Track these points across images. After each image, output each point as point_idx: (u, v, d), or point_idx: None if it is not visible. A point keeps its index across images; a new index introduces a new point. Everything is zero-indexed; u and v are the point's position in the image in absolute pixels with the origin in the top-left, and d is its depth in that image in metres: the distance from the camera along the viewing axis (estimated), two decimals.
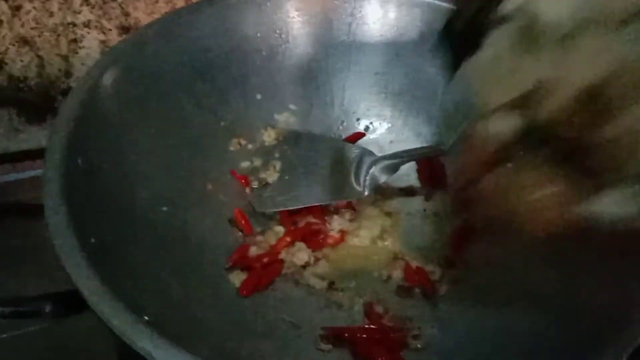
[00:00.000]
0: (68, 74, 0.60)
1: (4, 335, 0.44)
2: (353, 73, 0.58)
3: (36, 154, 0.63)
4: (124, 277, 0.34)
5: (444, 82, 0.56)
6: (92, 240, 0.34)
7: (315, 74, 0.57)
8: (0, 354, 0.43)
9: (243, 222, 0.49)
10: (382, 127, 0.59)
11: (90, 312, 0.30)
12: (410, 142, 0.58)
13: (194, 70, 0.50)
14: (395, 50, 0.57)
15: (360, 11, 0.57)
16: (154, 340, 0.28)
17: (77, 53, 0.59)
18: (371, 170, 0.50)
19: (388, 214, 0.52)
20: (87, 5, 0.56)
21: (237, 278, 0.44)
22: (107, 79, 0.42)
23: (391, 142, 0.58)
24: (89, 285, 0.30)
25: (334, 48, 0.57)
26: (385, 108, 0.59)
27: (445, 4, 0.55)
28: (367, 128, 0.60)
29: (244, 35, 0.53)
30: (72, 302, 0.31)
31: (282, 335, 0.41)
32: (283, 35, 0.55)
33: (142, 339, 0.28)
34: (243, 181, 0.52)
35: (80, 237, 0.32)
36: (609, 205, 0.32)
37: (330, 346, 0.40)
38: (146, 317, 0.31)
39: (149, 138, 0.45)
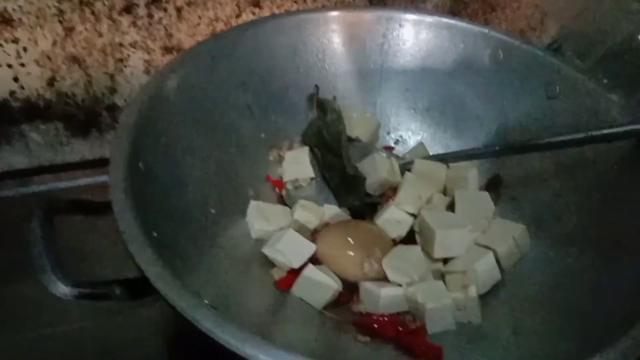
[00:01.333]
0: (113, 90, 0.64)
1: (47, 331, 0.46)
2: (384, 90, 0.62)
3: (78, 166, 0.65)
4: (182, 267, 0.38)
5: (470, 99, 0.59)
6: (155, 234, 0.37)
7: (349, 92, 0.61)
8: (41, 350, 0.45)
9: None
10: (411, 141, 0.62)
11: (154, 296, 0.33)
12: None
13: (240, 85, 0.54)
14: (424, 69, 0.60)
15: (392, 33, 0.60)
16: (216, 320, 0.31)
17: (122, 72, 0.63)
18: None
19: None
20: (134, 26, 0.60)
21: (277, 273, 0.47)
22: (165, 90, 0.46)
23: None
24: (155, 272, 0.33)
25: (366, 67, 0.61)
26: (415, 123, 0.62)
27: (471, 26, 0.58)
28: (397, 141, 0.63)
29: (284, 54, 0.57)
30: (138, 287, 0.35)
31: (320, 326, 0.44)
32: (319, 55, 0.59)
33: (205, 319, 0.31)
34: (277, 185, 0.56)
35: (145, 231, 0.35)
36: None
37: (368, 338, 0.42)
38: (206, 301, 0.34)
39: (200, 146, 0.49)
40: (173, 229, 0.41)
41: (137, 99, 0.45)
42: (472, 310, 0.44)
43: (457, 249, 0.47)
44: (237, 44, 0.54)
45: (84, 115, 0.63)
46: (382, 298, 0.43)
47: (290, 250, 0.46)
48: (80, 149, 0.66)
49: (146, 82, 0.47)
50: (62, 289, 0.33)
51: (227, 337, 0.30)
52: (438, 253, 0.46)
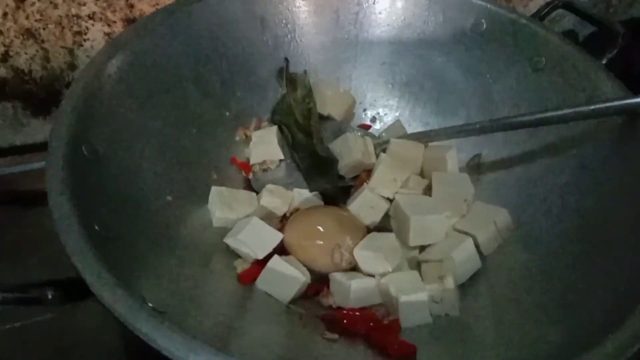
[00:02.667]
0: (73, 66, 0.60)
1: (10, 326, 0.44)
2: (359, 63, 0.58)
3: (41, 147, 0.62)
4: (127, 264, 0.34)
5: (451, 73, 0.56)
6: (96, 227, 0.34)
7: (322, 64, 0.57)
8: (6, 344, 0.43)
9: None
10: (389, 118, 0.59)
11: (93, 299, 0.30)
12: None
13: (199, 59, 0.50)
14: (402, 40, 0.57)
15: (368, 1, 0.56)
16: (157, 327, 0.28)
17: (81, 45, 0.59)
18: None
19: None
20: None
21: (241, 266, 0.44)
22: (111, 67, 0.42)
23: None
24: (91, 272, 0.30)
25: (340, 38, 0.57)
26: (392, 98, 0.59)
27: None
28: (373, 119, 0.59)
29: (250, 26, 0.53)
30: (75, 289, 0.31)
31: (286, 323, 0.41)
32: (289, 25, 0.55)
33: (143, 324, 0.28)
34: (244, 168, 0.52)
35: (84, 225, 0.32)
36: None
37: (336, 335, 0.39)
38: (150, 304, 0.30)
39: (155, 127, 0.45)
40: (120, 221, 0.37)
41: (80, 77, 0.41)
42: (449, 303, 0.41)
43: (433, 235, 0.44)
44: (197, 15, 0.50)
45: (44, 93, 0.60)
46: (353, 291, 0.40)
47: (254, 239, 0.43)
48: (42, 129, 0.63)
49: (92, 57, 0.43)
50: None
51: (170, 346, 0.27)
52: (413, 240, 0.43)
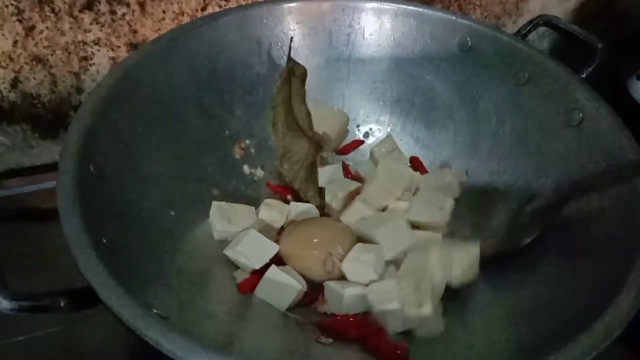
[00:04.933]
0: (79, 90, 0.62)
1: (21, 337, 0.45)
2: (352, 82, 0.60)
3: (49, 168, 0.63)
4: (133, 274, 0.36)
5: (439, 89, 0.58)
6: (104, 240, 0.36)
7: (316, 84, 0.59)
8: (15, 356, 0.45)
9: None
10: (381, 133, 0.61)
11: (102, 307, 0.32)
12: (409, 146, 0.60)
13: (200, 82, 0.52)
14: (392, 59, 0.59)
15: (359, 23, 0.59)
16: (162, 331, 0.30)
17: (87, 70, 0.61)
18: None
19: None
20: (97, 23, 0.58)
21: (240, 276, 0.46)
22: (117, 89, 0.44)
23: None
24: (100, 281, 0.32)
25: (333, 58, 0.59)
26: (384, 115, 0.61)
27: (441, 14, 0.57)
28: (366, 134, 0.61)
29: (247, 48, 0.56)
30: (84, 298, 0.33)
31: (283, 328, 0.43)
32: (284, 47, 0.57)
33: (150, 330, 0.30)
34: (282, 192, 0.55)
35: (93, 238, 0.34)
36: None
37: (330, 340, 0.41)
38: (155, 310, 0.33)
39: (158, 146, 0.47)
40: (126, 234, 0.39)
41: (88, 100, 0.43)
42: (432, 326, 0.42)
43: (402, 240, 0.45)
44: (197, 39, 0.52)
45: (52, 116, 0.62)
46: (346, 298, 0.42)
47: (252, 251, 0.45)
48: (50, 151, 0.64)
49: (99, 81, 0.45)
50: (2, 304, 0.31)
51: (174, 348, 0.29)
52: (388, 254, 0.45)
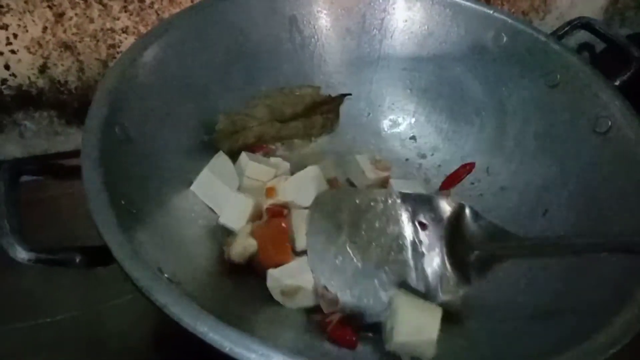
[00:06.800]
0: None
1: (46, 320, 0.47)
2: (381, 67, 0.60)
3: (74, 155, 0.62)
4: (147, 237, 0.37)
5: (468, 83, 0.57)
6: (123, 202, 0.37)
7: (345, 66, 0.59)
8: (41, 338, 0.46)
9: None
10: (405, 122, 0.61)
11: (115, 265, 0.33)
12: (432, 137, 0.60)
13: (228, 55, 0.52)
14: (424, 48, 0.59)
15: (394, 8, 0.58)
16: (170, 295, 0.30)
17: (115, 57, 0.60)
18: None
19: None
20: (126, 12, 0.58)
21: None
22: (147, 55, 0.45)
23: (412, 137, 0.60)
24: (115, 241, 0.32)
25: (365, 42, 0.59)
26: (410, 103, 0.61)
27: (476, 7, 0.56)
28: (391, 125, 0.61)
29: (279, 24, 0.56)
30: (99, 256, 0.34)
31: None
32: (316, 27, 0.57)
33: (157, 292, 0.30)
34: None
35: (112, 199, 0.35)
36: None
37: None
38: (166, 275, 0.33)
39: (183, 114, 0.48)
40: (144, 198, 0.40)
41: (118, 63, 0.44)
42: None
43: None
44: (228, 11, 0.52)
45: (78, 103, 0.62)
46: None
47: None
48: (75, 138, 0.64)
49: (128, 47, 0.46)
50: (21, 254, 0.33)
51: (180, 313, 0.30)
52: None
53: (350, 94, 0.58)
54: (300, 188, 0.47)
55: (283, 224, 0.44)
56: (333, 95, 0.57)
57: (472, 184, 0.56)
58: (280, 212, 0.46)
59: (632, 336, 0.32)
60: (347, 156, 0.56)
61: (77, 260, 0.34)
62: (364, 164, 0.54)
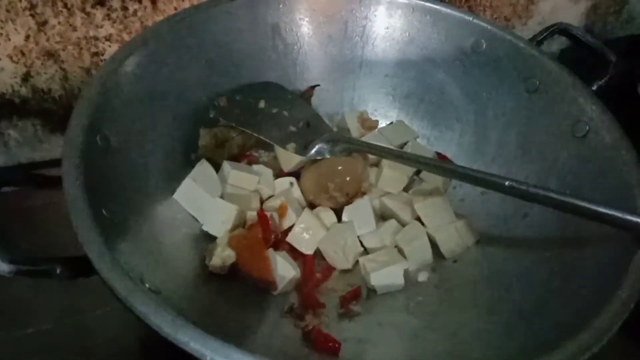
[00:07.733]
0: None
1: (33, 329, 0.47)
2: (364, 74, 0.61)
3: (59, 163, 0.62)
4: (129, 247, 0.37)
5: (449, 89, 0.58)
6: (104, 212, 0.36)
7: (328, 73, 0.60)
8: (29, 347, 0.46)
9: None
10: None
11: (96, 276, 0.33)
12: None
13: (209, 64, 0.53)
14: (405, 54, 0.59)
15: (375, 15, 0.59)
16: (150, 305, 0.30)
17: (99, 65, 0.60)
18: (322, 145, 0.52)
19: None
20: (109, 20, 0.58)
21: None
22: (128, 65, 0.45)
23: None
24: (96, 252, 0.32)
25: (347, 48, 0.60)
26: (392, 110, 0.61)
27: (456, 13, 0.57)
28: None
29: (262, 31, 0.56)
30: (80, 267, 0.34)
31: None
32: (299, 34, 0.58)
33: (140, 304, 0.30)
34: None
35: (93, 208, 0.35)
36: None
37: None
38: (147, 284, 0.33)
39: (165, 123, 0.48)
40: (126, 207, 0.40)
41: (99, 73, 0.44)
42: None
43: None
44: (209, 19, 0.52)
45: (62, 111, 0.62)
46: None
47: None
48: (60, 147, 0.62)
49: (110, 57, 0.46)
50: (1, 266, 0.32)
51: (161, 323, 0.30)
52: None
53: (319, 85, 0.59)
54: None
55: (259, 235, 0.45)
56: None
57: (454, 188, 0.57)
58: (266, 217, 0.47)
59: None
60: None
61: (58, 271, 0.34)
62: (350, 121, 0.58)
